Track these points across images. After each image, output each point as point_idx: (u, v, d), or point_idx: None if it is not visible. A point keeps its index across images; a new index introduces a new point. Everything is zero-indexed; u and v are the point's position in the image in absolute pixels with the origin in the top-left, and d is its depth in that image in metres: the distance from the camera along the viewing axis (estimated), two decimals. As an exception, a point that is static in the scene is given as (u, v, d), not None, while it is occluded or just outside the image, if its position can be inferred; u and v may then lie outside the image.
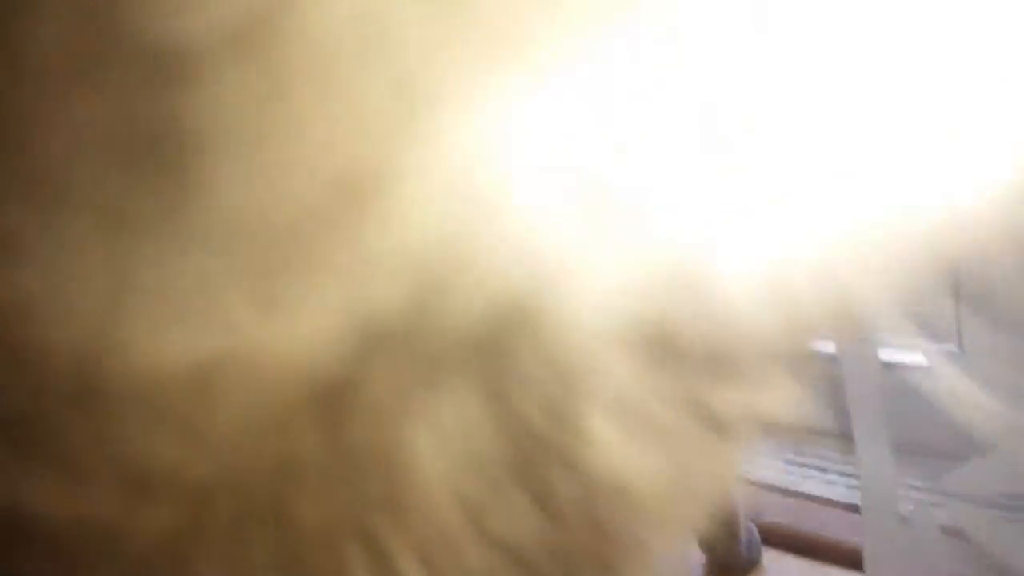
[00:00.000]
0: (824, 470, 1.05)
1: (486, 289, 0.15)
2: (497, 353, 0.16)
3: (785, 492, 1.07)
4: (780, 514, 1.06)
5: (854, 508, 0.95)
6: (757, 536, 1.06)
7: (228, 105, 0.13)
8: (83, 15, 0.13)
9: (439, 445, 0.18)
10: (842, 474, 1.04)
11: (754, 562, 1.05)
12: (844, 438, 0.85)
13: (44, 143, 0.13)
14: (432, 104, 0.13)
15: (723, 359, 0.18)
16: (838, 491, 1.03)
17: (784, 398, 0.21)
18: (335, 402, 0.17)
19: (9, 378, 0.16)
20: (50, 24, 0.13)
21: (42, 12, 0.13)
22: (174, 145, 0.13)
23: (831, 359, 0.77)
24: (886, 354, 0.82)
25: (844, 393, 0.82)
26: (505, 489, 0.19)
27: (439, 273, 0.14)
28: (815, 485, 1.06)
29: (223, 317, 0.15)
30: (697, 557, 1.03)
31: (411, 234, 0.14)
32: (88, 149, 0.13)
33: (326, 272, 0.14)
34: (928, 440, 0.80)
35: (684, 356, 0.17)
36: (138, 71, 0.13)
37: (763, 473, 0.94)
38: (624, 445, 0.19)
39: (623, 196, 0.14)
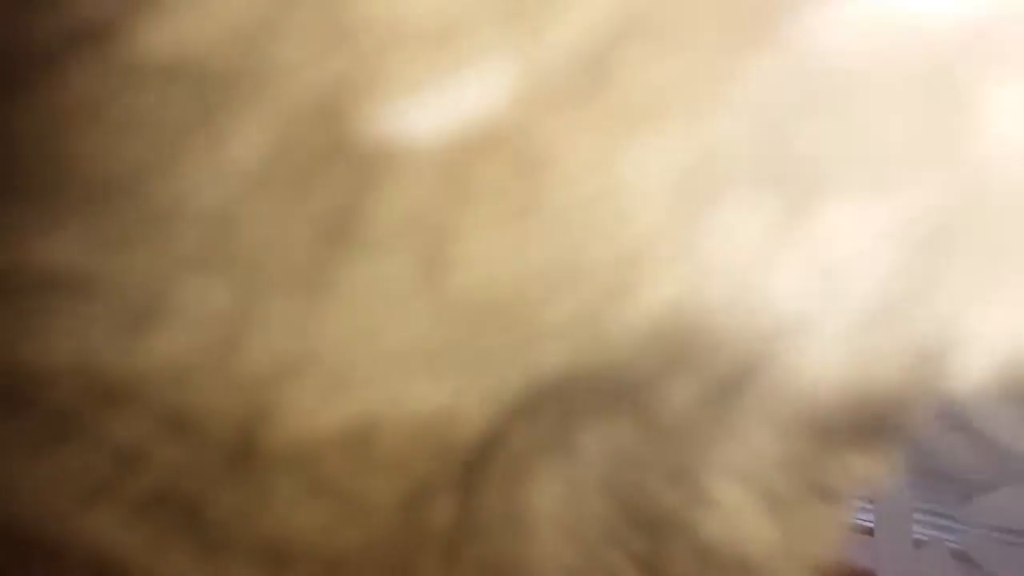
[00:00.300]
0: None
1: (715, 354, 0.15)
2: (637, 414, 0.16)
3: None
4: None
5: (867, 531, 0.95)
6: None
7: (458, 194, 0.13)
8: (294, 124, 0.13)
9: (553, 506, 0.19)
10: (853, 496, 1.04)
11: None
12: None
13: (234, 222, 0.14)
14: (707, 202, 0.13)
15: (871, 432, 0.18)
16: (850, 514, 1.03)
17: (892, 461, 0.21)
18: (475, 467, 0.17)
19: (160, 444, 0.16)
20: (264, 130, 0.13)
21: (257, 120, 0.13)
22: (385, 226, 0.13)
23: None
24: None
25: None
26: (610, 552, 0.20)
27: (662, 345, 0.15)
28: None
29: (392, 384, 0.15)
30: None
31: (643, 312, 0.14)
32: (282, 228, 0.13)
33: (518, 341, 0.15)
34: (946, 468, 0.80)
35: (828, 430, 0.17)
36: (349, 170, 0.13)
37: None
38: (742, 511, 0.19)
39: (874, 289, 0.14)
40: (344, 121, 0.13)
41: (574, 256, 0.14)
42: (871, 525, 0.93)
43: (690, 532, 0.19)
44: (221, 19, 0.13)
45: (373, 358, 0.15)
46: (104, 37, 0.13)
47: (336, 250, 0.14)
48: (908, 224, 0.14)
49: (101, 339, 0.15)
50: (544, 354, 0.15)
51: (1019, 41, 0.13)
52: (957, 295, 0.14)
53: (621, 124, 0.13)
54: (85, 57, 0.13)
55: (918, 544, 0.88)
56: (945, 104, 0.13)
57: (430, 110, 0.13)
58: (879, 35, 0.13)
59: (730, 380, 0.15)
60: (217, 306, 0.14)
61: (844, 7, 0.13)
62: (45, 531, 0.16)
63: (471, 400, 0.15)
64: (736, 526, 0.19)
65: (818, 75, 0.13)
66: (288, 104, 0.13)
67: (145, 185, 0.14)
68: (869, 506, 0.97)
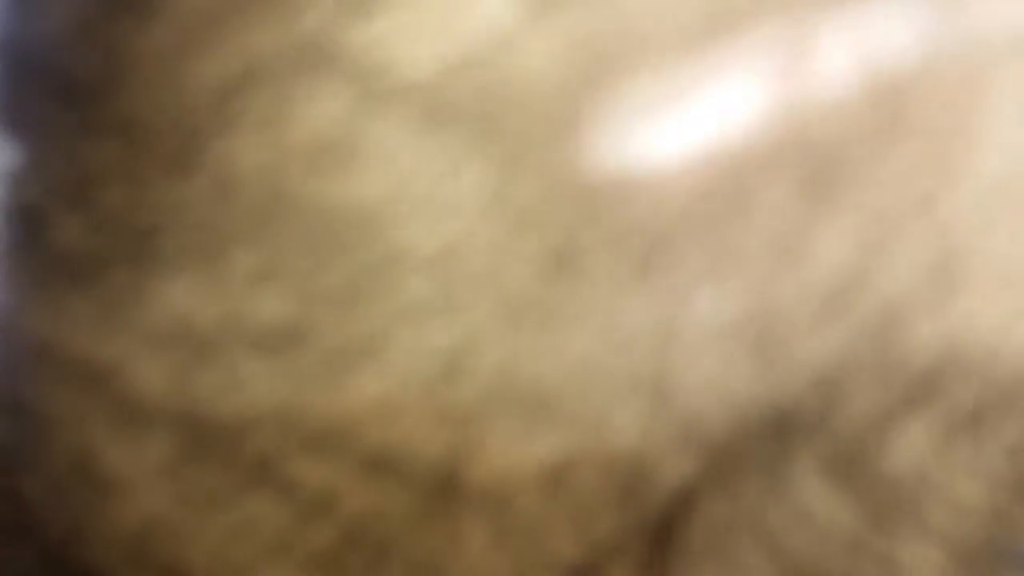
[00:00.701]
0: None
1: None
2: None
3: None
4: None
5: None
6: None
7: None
8: (522, 152, 0.12)
9: None
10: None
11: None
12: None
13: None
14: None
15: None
16: None
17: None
18: (661, 535, 0.16)
19: (354, 489, 0.14)
20: (490, 164, 0.12)
21: (485, 151, 0.12)
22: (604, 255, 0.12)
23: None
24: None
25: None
26: None
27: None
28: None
29: (596, 413, 0.14)
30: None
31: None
32: (504, 262, 0.12)
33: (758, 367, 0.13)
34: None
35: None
36: (578, 201, 0.12)
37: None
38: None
39: None
40: (574, 145, 0.12)
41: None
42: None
43: None
44: (457, 36, 0.12)
45: (583, 386, 0.13)
46: (338, 57, 0.12)
47: (558, 280, 0.13)
48: None
49: (307, 385, 0.14)
50: (768, 384, 0.14)
51: None
52: None
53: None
54: (318, 82, 0.12)
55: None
56: None
57: (678, 127, 0.12)
58: None
59: (975, 418, 0.14)
60: (432, 345, 0.13)
61: None
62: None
63: (669, 435, 0.14)
64: None
65: None
66: (517, 129, 0.12)
67: (373, 230, 0.13)
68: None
